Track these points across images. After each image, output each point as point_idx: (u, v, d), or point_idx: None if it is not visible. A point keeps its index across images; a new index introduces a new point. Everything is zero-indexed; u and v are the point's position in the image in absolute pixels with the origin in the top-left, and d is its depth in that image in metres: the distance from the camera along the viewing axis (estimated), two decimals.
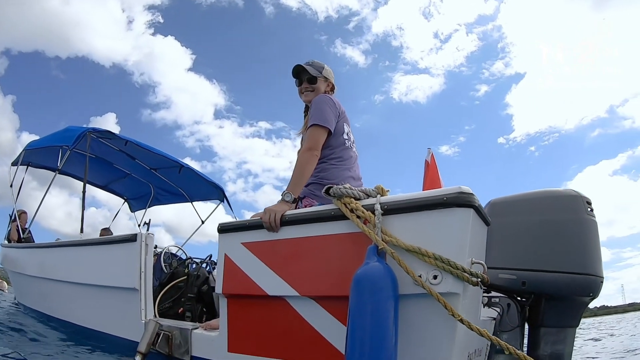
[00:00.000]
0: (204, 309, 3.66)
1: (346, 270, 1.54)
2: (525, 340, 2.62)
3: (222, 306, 1.91)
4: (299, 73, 2.32)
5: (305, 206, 2.03)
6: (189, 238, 6.30)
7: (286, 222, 1.77)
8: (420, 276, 1.39)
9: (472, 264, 1.41)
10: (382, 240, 1.45)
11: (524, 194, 2.61)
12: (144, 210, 6.32)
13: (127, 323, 2.40)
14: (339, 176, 2.09)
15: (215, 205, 5.89)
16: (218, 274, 1.93)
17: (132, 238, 2.44)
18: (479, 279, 1.39)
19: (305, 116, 2.40)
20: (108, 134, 4.12)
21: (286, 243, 1.75)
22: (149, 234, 2.45)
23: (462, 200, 1.42)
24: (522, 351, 2.55)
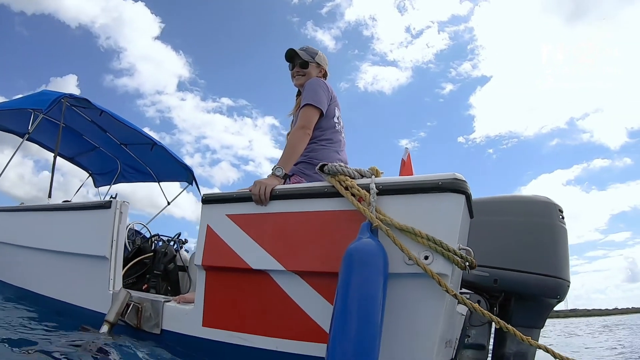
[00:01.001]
0: (169, 288, 3.57)
1: (336, 247, 1.52)
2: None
3: (200, 278, 1.85)
4: (292, 57, 2.34)
5: (294, 183, 2.01)
6: (154, 217, 6.11)
7: (276, 196, 1.73)
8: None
9: (460, 249, 1.43)
10: (376, 218, 1.45)
11: (502, 197, 2.70)
12: (109, 186, 6.08)
13: (93, 293, 2.28)
14: (329, 157, 2.10)
15: (183, 188, 5.74)
16: (198, 246, 1.87)
17: (106, 204, 2.33)
18: (467, 263, 1.42)
19: (297, 99, 2.43)
20: (85, 102, 3.92)
21: (275, 217, 1.72)
22: (124, 202, 2.35)
23: (456, 186, 1.45)
24: (489, 348, 2.63)
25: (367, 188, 1.53)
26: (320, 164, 1.72)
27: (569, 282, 2.44)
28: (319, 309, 1.55)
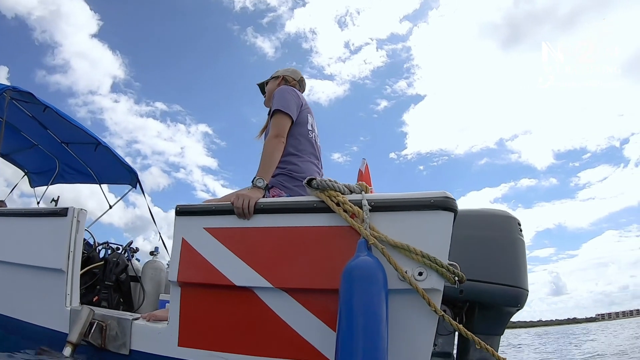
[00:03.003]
0: (121, 300, 3.36)
1: (327, 264, 1.51)
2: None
3: (174, 295, 1.75)
4: (261, 89, 2.53)
5: (273, 196, 1.96)
6: (94, 222, 5.73)
7: (260, 209, 1.68)
8: (406, 272, 1.42)
9: (449, 264, 1.48)
10: (371, 235, 1.44)
11: (466, 210, 2.81)
12: (46, 187, 5.61)
13: (49, 310, 2.06)
14: (308, 169, 2.08)
15: (126, 191, 5.44)
16: (172, 260, 1.76)
17: (62, 212, 2.13)
18: (457, 278, 1.47)
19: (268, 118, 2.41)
20: (29, 96, 3.58)
21: (259, 232, 1.66)
22: (81, 209, 2.16)
23: (447, 204, 1.49)
24: (454, 355, 2.72)
25: (359, 204, 1.53)
26: (308, 178, 1.68)
27: (528, 291, 2.59)
28: (308, 327, 1.52)
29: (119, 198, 5.55)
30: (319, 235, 1.58)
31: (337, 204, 1.56)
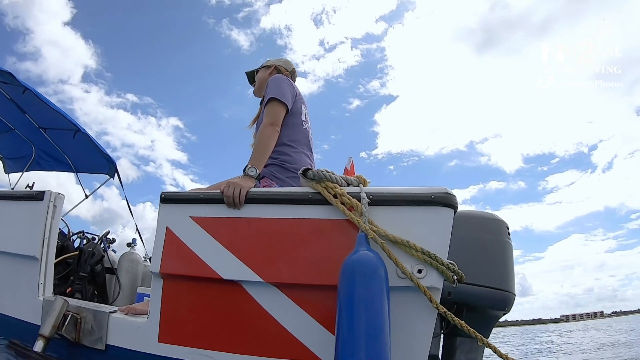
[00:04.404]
0: (96, 292, 3.22)
1: (322, 258, 1.44)
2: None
3: (156, 287, 1.65)
4: (249, 78, 2.48)
5: (264, 187, 1.88)
6: (70, 211, 5.52)
7: (252, 199, 1.59)
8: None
9: (449, 262, 1.43)
10: (370, 229, 1.38)
11: (458, 211, 2.78)
12: (21, 173, 5.37)
13: (20, 300, 1.93)
14: (300, 160, 2.02)
15: (104, 180, 5.26)
16: (155, 250, 1.66)
17: (37, 196, 1.99)
18: (456, 277, 1.42)
19: (260, 107, 2.34)
20: (8, 76, 3.38)
21: (250, 222, 1.58)
22: (59, 194, 2.03)
23: (448, 201, 1.44)
24: (439, 358, 2.68)
25: (357, 197, 1.46)
26: (303, 168, 1.61)
27: (515, 294, 2.57)
28: (300, 324, 1.45)
29: (97, 186, 5.37)
30: (314, 228, 1.50)
31: (335, 196, 1.49)
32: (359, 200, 1.45)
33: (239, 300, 1.52)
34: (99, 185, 5.42)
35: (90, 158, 4.94)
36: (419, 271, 1.37)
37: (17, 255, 2.00)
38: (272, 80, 2.10)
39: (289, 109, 2.02)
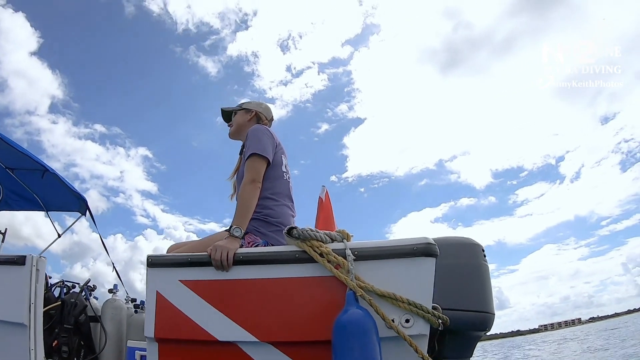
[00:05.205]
0: (82, 342, 3.13)
1: (314, 315, 1.50)
2: None
3: (151, 352, 1.66)
4: (225, 116, 2.44)
5: (249, 242, 1.91)
6: (43, 251, 5.36)
7: (240, 261, 1.64)
8: (393, 320, 1.45)
9: (433, 307, 1.51)
10: (357, 286, 1.45)
11: (435, 239, 2.89)
12: None
13: None
14: (284, 215, 2.04)
15: (75, 219, 5.15)
16: (148, 315, 1.67)
17: (19, 260, 1.96)
18: (441, 321, 1.50)
19: (239, 157, 2.33)
20: None
21: (240, 284, 1.62)
22: (40, 257, 2.00)
23: (429, 251, 1.53)
24: None
25: (342, 254, 1.53)
26: (288, 227, 1.66)
27: (494, 313, 2.69)
28: None
29: (70, 224, 5.23)
30: (303, 286, 1.56)
31: (321, 255, 1.55)
32: (345, 258, 1.51)
33: None
34: (71, 222, 5.27)
35: (60, 196, 4.83)
36: (407, 321, 1.45)
37: (5, 322, 1.95)
38: (252, 132, 2.09)
39: (270, 162, 2.03)
